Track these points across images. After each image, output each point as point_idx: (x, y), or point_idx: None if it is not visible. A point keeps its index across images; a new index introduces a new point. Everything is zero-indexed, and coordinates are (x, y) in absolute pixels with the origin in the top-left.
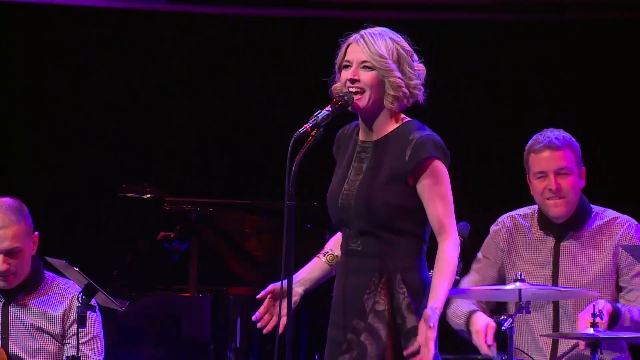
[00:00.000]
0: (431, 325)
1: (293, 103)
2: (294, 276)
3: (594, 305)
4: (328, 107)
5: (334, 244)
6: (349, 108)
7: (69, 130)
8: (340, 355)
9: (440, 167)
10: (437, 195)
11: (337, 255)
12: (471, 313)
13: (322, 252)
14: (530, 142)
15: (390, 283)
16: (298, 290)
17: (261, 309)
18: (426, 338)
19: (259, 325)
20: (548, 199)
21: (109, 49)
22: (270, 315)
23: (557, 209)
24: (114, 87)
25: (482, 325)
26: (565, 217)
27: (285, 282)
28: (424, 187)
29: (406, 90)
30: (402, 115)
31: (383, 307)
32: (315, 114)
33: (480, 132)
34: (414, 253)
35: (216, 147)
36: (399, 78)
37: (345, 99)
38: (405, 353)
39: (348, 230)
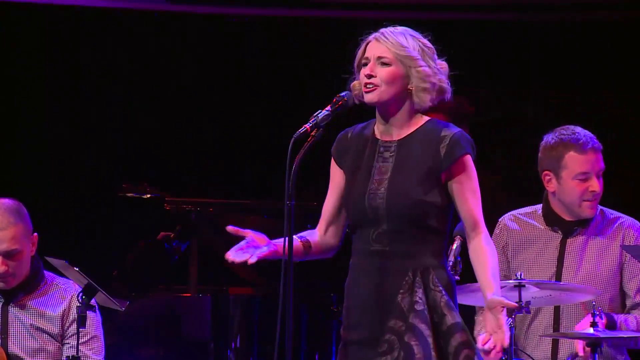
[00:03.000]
0: (500, 310)
1: (293, 103)
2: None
3: (593, 314)
4: (328, 107)
5: (308, 234)
6: (366, 101)
7: (69, 130)
8: (378, 357)
9: (471, 163)
10: (469, 191)
11: (311, 244)
12: None
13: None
14: (564, 139)
15: (425, 281)
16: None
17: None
18: (498, 324)
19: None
20: (586, 200)
21: (109, 49)
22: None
23: (591, 210)
24: (114, 87)
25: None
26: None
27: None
28: (459, 183)
29: (435, 81)
30: (420, 114)
31: (422, 307)
32: (315, 114)
33: (479, 132)
34: (440, 251)
35: (216, 147)
36: (425, 67)
37: (346, 99)
38: (481, 346)
39: (372, 230)
